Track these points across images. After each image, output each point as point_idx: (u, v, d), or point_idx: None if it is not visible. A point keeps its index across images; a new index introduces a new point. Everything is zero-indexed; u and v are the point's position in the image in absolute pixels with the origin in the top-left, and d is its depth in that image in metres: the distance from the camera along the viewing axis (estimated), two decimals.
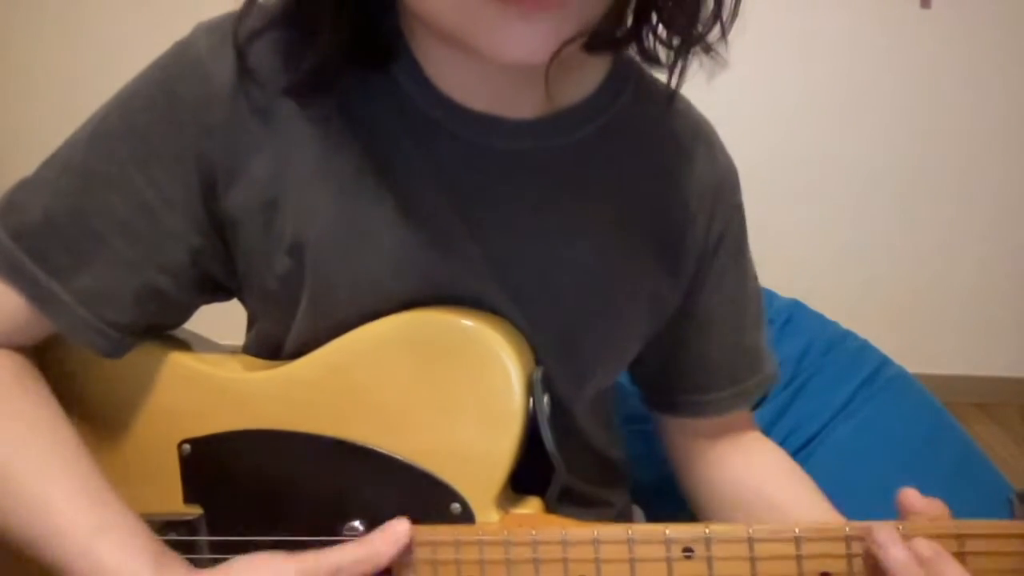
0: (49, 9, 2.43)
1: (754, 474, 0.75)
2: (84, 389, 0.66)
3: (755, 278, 0.76)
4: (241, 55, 0.58)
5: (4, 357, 0.62)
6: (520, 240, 0.63)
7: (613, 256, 0.66)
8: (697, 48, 0.59)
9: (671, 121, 0.69)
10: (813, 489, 0.74)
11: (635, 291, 0.68)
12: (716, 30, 0.58)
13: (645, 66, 0.64)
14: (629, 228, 0.66)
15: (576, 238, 0.64)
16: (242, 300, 0.69)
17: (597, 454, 0.76)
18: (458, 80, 0.60)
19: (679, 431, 0.79)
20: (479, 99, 0.60)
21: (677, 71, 0.60)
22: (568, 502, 0.71)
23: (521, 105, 0.61)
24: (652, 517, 0.91)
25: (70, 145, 0.62)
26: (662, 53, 0.61)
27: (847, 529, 0.50)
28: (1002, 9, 2.34)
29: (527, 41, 0.49)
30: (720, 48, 0.59)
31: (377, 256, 0.61)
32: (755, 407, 0.79)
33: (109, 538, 0.55)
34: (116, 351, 0.62)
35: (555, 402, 0.64)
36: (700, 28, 0.57)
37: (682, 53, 0.59)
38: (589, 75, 0.65)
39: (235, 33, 0.58)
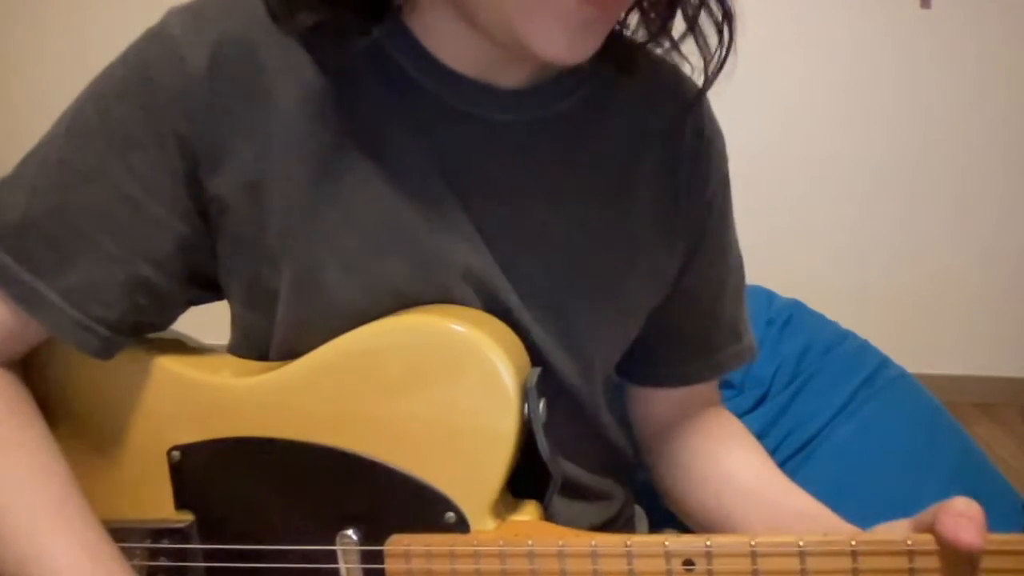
0: (49, 8, 2.42)
1: (713, 445, 0.74)
2: (73, 396, 0.65)
3: (738, 250, 0.76)
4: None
5: None
6: (512, 212, 0.62)
7: (610, 227, 0.65)
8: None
9: (662, 86, 0.69)
10: (766, 459, 0.73)
11: (633, 263, 0.67)
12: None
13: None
14: (623, 198, 0.66)
15: (569, 210, 0.64)
16: (226, 291, 0.68)
17: (603, 440, 0.75)
18: (452, 46, 0.60)
19: (648, 401, 0.78)
20: (471, 66, 0.60)
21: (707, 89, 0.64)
22: (570, 496, 0.70)
23: (509, 75, 0.61)
24: (654, 518, 0.90)
25: (47, 141, 0.61)
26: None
27: (853, 543, 0.48)
28: (1002, 9, 2.35)
29: (580, 46, 0.52)
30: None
31: (363, 234, 0.60)
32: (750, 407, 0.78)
33: None
34: (106, 350, 0.61)
35: (558, 386, 0.64)
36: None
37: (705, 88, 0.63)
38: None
39: None
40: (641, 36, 0.65)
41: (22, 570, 0.55)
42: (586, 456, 0.71)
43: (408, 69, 0.60)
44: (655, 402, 0.78)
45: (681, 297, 0.72)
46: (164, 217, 0.60)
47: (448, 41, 0.59)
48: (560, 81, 0.63)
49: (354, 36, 0.59)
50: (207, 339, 0.70)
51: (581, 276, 0.65)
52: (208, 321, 0.78)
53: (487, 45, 0.58)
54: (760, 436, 1.14)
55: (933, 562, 0.48)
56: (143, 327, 0.65)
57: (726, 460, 0.72)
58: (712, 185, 0.70)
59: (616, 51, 0.65)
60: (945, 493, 1.02)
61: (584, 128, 0.64)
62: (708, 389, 0.78)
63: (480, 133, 0.61)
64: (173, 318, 0.67)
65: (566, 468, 0.69)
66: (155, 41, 0.59)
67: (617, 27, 0.64)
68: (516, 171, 0.62)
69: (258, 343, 0.66)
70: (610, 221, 0.65)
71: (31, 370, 0.64)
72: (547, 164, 0.63)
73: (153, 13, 0.60)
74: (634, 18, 0.65)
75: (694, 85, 0.70)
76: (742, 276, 0.77)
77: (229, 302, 0.69)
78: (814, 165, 2.46)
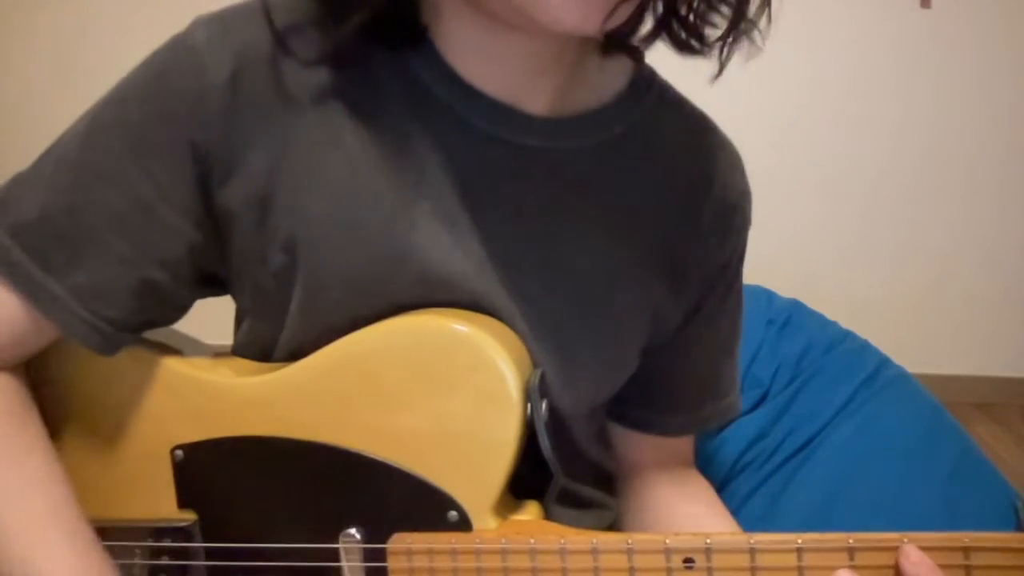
0: (49, 9, 2.42)
1: (684, 507, 0.75)
2: (76, 396, 0.65)
3: (740, 307, 0.75)
4: (271, 20, 0.57)
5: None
6: (523, 239, 0.62)
7: (618, 265, 0.65)
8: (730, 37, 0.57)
9: (694, 139, 0.68)
10: (734, 529, 0.74)
11: (637, 303, 0.67)
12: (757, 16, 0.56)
13: (668, 79, 0.65)
14: (637, 240, 0.66)
15: (581, 243, 0.64)
16: (234, 296, 0.68)
17: (591, 464, 0.75)
18: (476, 62, 0.59)
19: (625, 443, 0.78)
20: (495, 85, 0.59)
21: (723, 55, 0.58)
22: (566, 504, 0.70)
23: (533, 100, 0.60)
24: None
25: (66, 140, 0.61)
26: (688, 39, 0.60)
27: (850, 540, 0.49)
28: (1002, 8, 2.34)
29: (588, 9, 0.49)
30: (755, 34, 0.57)
31: (373, 253, 0.60)
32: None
33: None
34: (111, 348, 0.62)
35: (551, 409, 0.63)
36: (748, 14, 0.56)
37: (730, 41, 0.57)
38: (607, 81, 0.64)
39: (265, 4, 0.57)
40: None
41: (10, 572, 0.56)
42: (576, 474, 0.71)
43: (431, 86, 0.59)
44: (632, 445, 0.78)
45: (675, 348, 0.71)
46: (176, 222, 0.60)
47: (472, 57, 0.59)
48: (589, 118, 0.63)
49: (379, 56, 0.59)
50: (208, 339, 0.70)
51: (584, 307, 0.65)
52: (209, 321, 0.79)
53: (512, 61, 0.58)
54: (760, 436, 1.14)
55: (928, 558, 0.48)
56: (150, 324, 0.65)
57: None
58: (732, 244, 0.70)
59: (657, 97, 0.66)
60: (944, 492, 1.02)
61: (607, 167, 0.64)
62: (686, 444, 0.78)
63: (501, 155, 0.60)
64: (181, 315, 0.68)
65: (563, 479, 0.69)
66: (178, 49, 0.59)
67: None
68: (535, 197, 0.62)
69: (263, 345, 0.66)
70: (621, 258, 0.65)
71: (34, 371, 0.64)
72: (566, 195, 0.63)
73: (152, 17, 0.61)
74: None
75: (728, 140, 0.70)
76: (738, 336, 0.76)
77: (236, 304, 0.70)
78: (814, 165, 2.46)
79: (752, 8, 0.56)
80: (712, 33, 0.58)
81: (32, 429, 0.62)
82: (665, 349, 0.71)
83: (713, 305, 0.71)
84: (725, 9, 0.57)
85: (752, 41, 0.57)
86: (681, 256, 0.67)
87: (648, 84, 0.66)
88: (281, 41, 0.57)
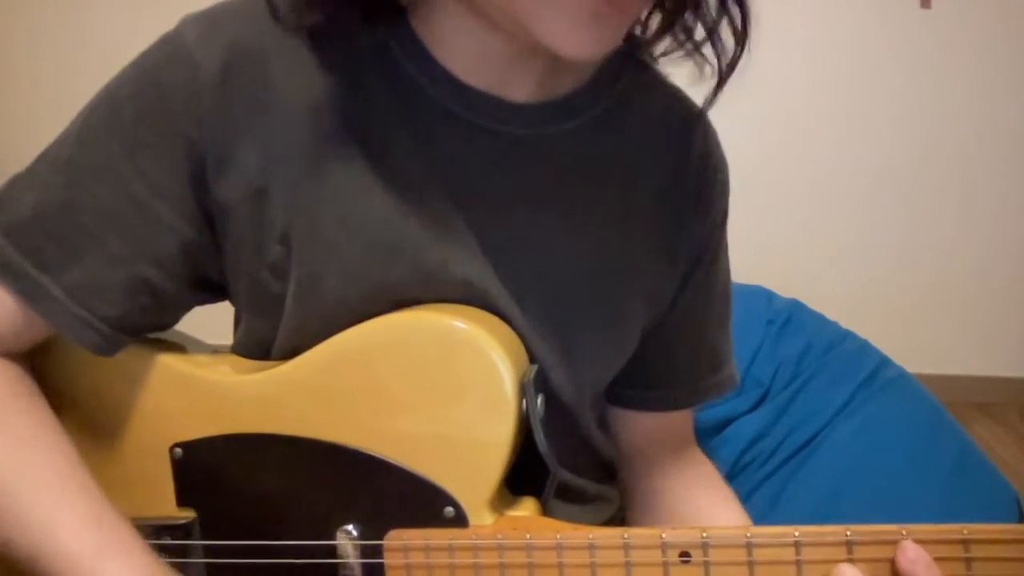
0: (49, 9, 2.43)
1: (688, 490, 0.75)
2: (75, 393, 0.65)
3: (728, 281, 0.76)
4: None
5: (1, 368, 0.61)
6: (515, 228, 0.62)
7: (611, 248, 0.65)
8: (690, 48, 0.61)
9: (669, 112, 0.69)
10: (739, 510, 0.74)
11: (633, 285, 0.67)
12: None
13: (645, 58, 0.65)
14: (627, 221, 0.66)
15: (573, 229, 0.64)
16: (230, 297, 0.68)
17: (595, 452, 0.75)
18: (458, 56, 0.60)
19: (625, 426, 0.78)
20: (480, 77, 0.60)
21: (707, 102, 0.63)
22: (566, 499, 0.71)
23: (517, 88, 0.61)
24: None
25: (60, 140, 0.61)
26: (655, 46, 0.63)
27: (848, 534, 0.49)
28: (1002, 9, 2.34)
29: (592, 41, 0.51)
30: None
31: (363, 242, 0.60)
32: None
33: (113, 561, 0.56)
34: (108, 348, 0.62)
35: (553, 399, 0.64)
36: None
37: (718, 88, 0.61)
38: (583, 64, 0.64)
39: None
40: (663, 45, 0.64)
41: (31, 545, 0.56)
42: (578, 464, 0.72)
43: (417, 77, 0.60)
44: (632, 426, 0.77)
45: (668, 323, 0.72)
46: (169, 218, 0.60)
47: (457, 48, 0.60)
48: (571, 99, 0.63)
49: (360, 34, 0.60)
50: (208, 339, 0.70)
51: (581, 293, 0.65)
52: (209, 321, 0.79)
53: (496, 52, 0.59)
54: (760, 436, 1.14)
55: (927, 552, 0.48)
56: (146, 327, 0.65)
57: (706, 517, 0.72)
58: (713, 214, 0.70)
59: (632, 74, 0.66)
60: (944, 492, 1.02)
61: (592, 148, 0.64)
62: (685, 421, 0.78)
63: (486, 145, 0.61)
64: (177, 319, 0.68)
65: (561, 473, 0.69)
66: (169, 47, 0.60)
67: (638, 32, 0.64)
68: (521, 185, 0.62)
69: (261, 344, 0.66)
70: (613, 240, 0.65)
71: (33, 368, 0.64)
72: (553, 180, 0.63)
73: (151, 17, 0.61)
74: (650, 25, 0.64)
75: (701, 110, 0.70)
76: (729, 307, 0.76)
77: (233, 304, 0.70)
78: (814, 165, 2.46)
79: (697, 33, 0.59)
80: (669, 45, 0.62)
81: (43, 411, 0.62)
82: (659, 325, 0.71)
83: (701, 275, 0.71)
84: (681, 34, 0.61)
85: (698, 63, 0.61)
86: (669, 230, 0.68)
87: (623, 63, 0.67)
88: (275, 12, 0.58)
